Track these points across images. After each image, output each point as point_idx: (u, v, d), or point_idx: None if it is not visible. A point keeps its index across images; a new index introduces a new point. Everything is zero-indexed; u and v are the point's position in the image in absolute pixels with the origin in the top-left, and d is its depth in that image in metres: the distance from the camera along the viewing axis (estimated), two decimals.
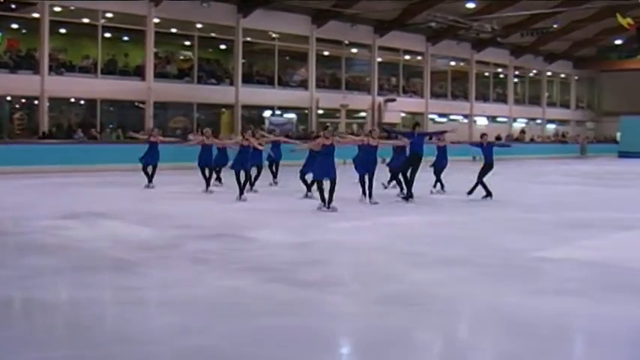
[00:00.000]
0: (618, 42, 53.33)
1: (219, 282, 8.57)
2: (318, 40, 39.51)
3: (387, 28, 41.83)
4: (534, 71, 55.17)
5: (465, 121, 48.65)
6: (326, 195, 15.52)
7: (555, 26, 45.70)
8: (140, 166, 21.22)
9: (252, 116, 38.04)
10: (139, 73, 33.10)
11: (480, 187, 18.28)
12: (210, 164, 20.08)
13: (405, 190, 17.85)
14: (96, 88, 31.11)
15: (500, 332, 6.82)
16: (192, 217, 14.59)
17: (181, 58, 36.21)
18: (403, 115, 44.41)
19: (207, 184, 19.65)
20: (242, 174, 17.80)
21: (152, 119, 32.55)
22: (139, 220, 13.86)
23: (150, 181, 20.84)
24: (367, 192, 17.08)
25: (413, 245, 11.36)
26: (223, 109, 37.43)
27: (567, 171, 27.15)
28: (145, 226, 13.00)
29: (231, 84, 36.19)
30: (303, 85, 39.54)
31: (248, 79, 36.94)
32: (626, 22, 34.36)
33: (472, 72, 49.23)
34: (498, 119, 51.53)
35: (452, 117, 47.98)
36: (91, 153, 28.14)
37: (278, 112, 38.72)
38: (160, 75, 33.54)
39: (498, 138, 47.85)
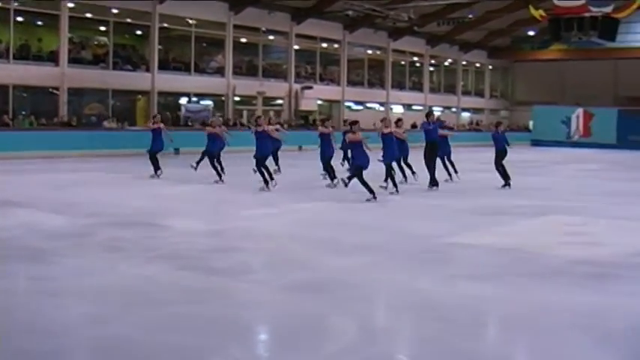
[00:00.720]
0: (531, 33, 54.33)
1: (132, 270, 8.55)
2: (235, 26, 39.24)
3: (305, 15, 41.85)
4: (450, 60, 55.85)
5: (382, 109, 49.04)
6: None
7: (471, 16, 46.35)
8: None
9: (169, 103, 37.59)
10: (52, 58, 32.33)
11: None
12: (215, 152, 19.79)
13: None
14: (8, 74, 30.31)
15: (415, 317, 6.98)
16: (106, 204, 14.43)
17: (96, 43, 35.49)
18: (320, 102, 44.56)
19: (219, 173, 19.26)
20: None
21: (66, 105, 31.98)
22: (53, 208, 13.65)
23: (156, 169, 20.08)
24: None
25: (327, 232, 11.47)
26: (139, 96, 36.89)
27: (481, 159, 27.54)
28: (59, 214, 12.82)
29: (147, 70, 35.69)
30: (220, 72, 39.25)
31: (164, 66, 36.46)
32: (538, 13, 35.11)
33: (388, 60, 49.58)
34: (414, 107, 51.98)
35: (368, 105, 48.34)
36: (4, 140, 27.47)
37: (194, 98, 38.35)
38: (74, 60, 32.80)
39: (414, 126, 48.50)
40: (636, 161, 23.62)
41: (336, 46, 45.99)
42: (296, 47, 43.02)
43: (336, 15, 42.20)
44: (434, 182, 18.25)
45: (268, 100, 42.18)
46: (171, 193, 16.86)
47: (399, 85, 50.94)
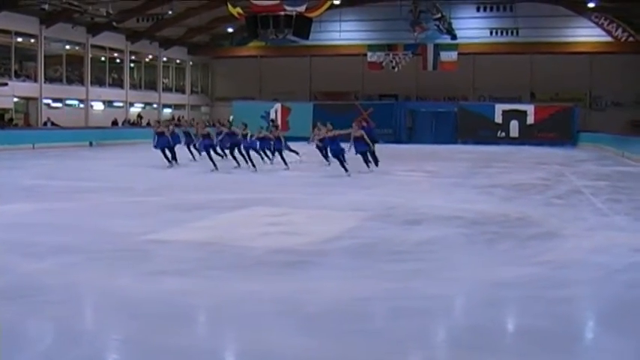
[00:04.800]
0: (230, 30, 55.50)
1: None
2: None
3: None
4: (150, 56, 55.53)
5: (82, 106, 47.90)
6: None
7: (170, 13, 46.47)
8: None
9: None
10: None
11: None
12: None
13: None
14: None
15: (117, 317, 6.87)
16: None
17: None
18: (16, 100, 42.68)
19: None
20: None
21: None
22: None
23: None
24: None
25: (22, 235, 10.95)
26: None
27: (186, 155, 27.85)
28: None
29: None
30: None
31: None
32: (236, 11, 35.76)
33: (88, 56, 48.34)
34: (115, 104, 51.24)
35: (68, 102, 46.99)
36: None
37: None
38: None
39: (115, 123, 47.93)
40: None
41: (32, 41, 43.99)
42: None
43: (32, 9, 40.53)
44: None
45: None
46: None
47: (99, 82, 49.85)
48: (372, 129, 25.61)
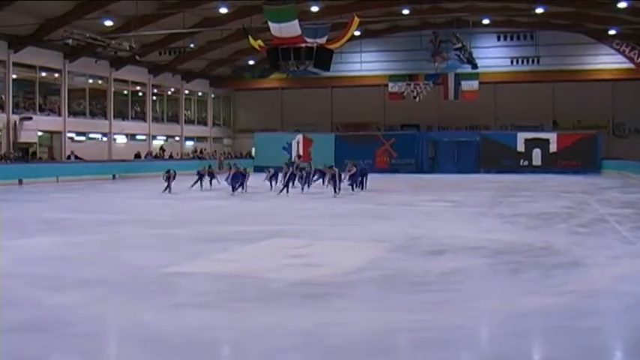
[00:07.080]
0: (252, 62, 55.87)
1: None
2: None
3: (23, 43, 40.21)
4: (172, 89, 55.92)
5: (105, 139, 48.21)
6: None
7: (192, 46, 46.82)
8: None
9: None
10: None
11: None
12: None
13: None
14: None
15: (140, 351, 6.86)
16: None
17: None
18: (40, 134, 43.01)
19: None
20: None
21: None
22: None
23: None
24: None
25: (48, 269, 10.98)
26: None
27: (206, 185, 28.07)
28: None
29: None
30: None
31: None
32: (257, 44, 35.85)
33: (110, 90, 48.75)
34: (138, 137, 51.53)
35: (91, 135, 47.32)
36: None
37: None
38: None
39: (138, 156, 48.19)
40: None
41: (56, 75, 44.47)
42: (14, 76, 41.12)
43: (56, 43, 40.95)
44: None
45: None
46: None
47: (121, 115, 50.23)
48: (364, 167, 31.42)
